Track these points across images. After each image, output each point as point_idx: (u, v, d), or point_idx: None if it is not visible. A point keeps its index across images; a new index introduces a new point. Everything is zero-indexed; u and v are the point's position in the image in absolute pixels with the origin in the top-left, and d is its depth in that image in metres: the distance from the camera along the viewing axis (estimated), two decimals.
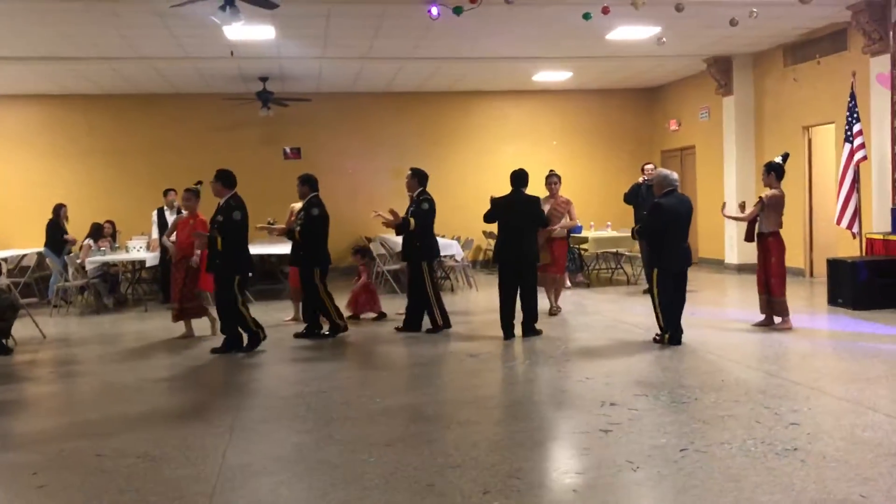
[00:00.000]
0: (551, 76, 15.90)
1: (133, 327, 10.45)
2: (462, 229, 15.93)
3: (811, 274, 13.22)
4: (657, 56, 14.09)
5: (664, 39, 9.17)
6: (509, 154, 17.57)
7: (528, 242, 8.71)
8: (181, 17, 10.47)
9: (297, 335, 9.08)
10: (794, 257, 13.29)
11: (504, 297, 8.62)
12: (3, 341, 8.51)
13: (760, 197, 8.72)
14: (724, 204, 11.26)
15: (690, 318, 8.77)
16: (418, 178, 9.35)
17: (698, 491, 4.04)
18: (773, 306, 8.66)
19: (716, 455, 4.58)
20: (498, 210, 8.76)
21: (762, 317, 8.80)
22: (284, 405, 6.13)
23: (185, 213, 9.45)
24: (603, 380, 6.56)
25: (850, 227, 10.65)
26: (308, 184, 9.11)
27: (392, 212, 9.37)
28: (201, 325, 9.50)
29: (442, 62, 14.20)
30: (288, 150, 17.14)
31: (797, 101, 13.22)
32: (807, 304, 10.51)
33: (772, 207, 8.56)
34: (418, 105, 17.37)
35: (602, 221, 14.84)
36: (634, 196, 11.67)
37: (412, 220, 9.07)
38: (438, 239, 13.26)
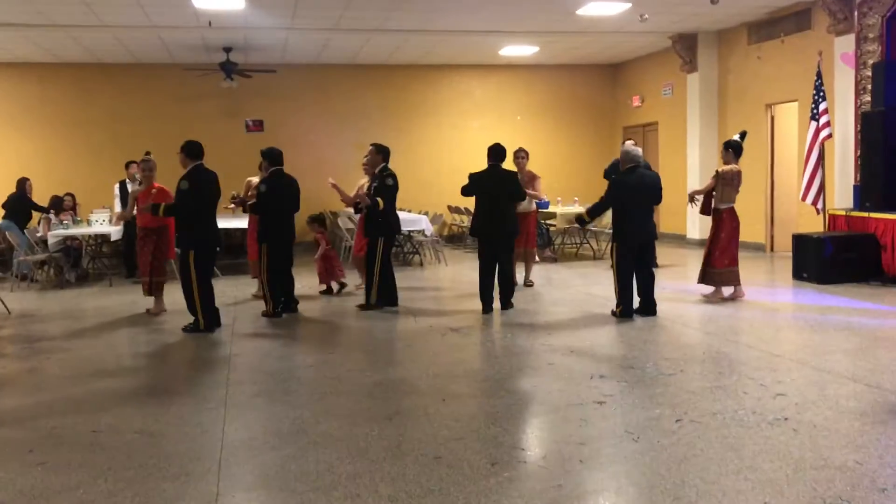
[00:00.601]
0: (518, 51, 15.90)
1: (99, 302, 10.26)
2: (427, 204, 15.95)
3: (771, 249, 13.53)
4: (624, 32, 14.19)
5: (646, 16, 9.21)
6: (474, 129, 17.62)
7: (507, 216, 8.76)
8: None
9: (264, 314, 8.91)
10: (755, 232, 13.62)
11: (484, 271, 8.67)
12: None
13: (717, 171, 8.89)
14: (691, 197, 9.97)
15: (661, 292, 8.95)
16: (382, 153, 9.22)
17: (700, 460, 4.15)
18: (714, 276, 8.90)
19: (710, 425, 4.70)
20: (476, 184, 8.77)
21: (711, 289, 9.03)
22: (273, 380, 6.09)
23: (142, 184, 9.25)
24: (587, 352, 6.67)
25: (814, 203, 10.92)
26: (268, 158, 8.85)
27: (360, 195, 9.36)
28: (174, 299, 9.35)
29: (410, 35, 14.09)
30: (250, 122, 16.90)
31: (761, 78, 13.44)
32: (772, 278, 10.77)
33: (727, 183, 8.76)
34: (384, 78, 17.25)
35: (569, 196, 14.97)
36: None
37: (380, 201, 8.94)
38: (405, 214, 13.31)
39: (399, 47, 15.26)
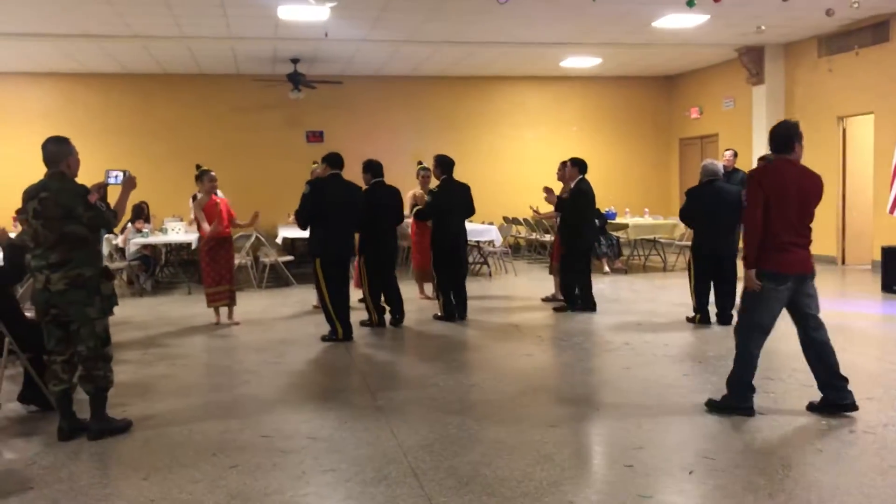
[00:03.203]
0: (579, 62, 15.92)
1: (186, 310, 10.30)
2: (483, 215, 15.90)
3: (843, 262, 13.44)
4: (692, 44, 14.21)
5: (763, 27, 9.24)
6: (529, 139, 17.70)
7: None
8: None
9: (362, 323, 8.84)
10: (827, 245, 13.56)
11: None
12: None
13: None
14: None
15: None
16: (441, 166, 9.17)
17: None
18: None
19: (888, 436, 4.68)
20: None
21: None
22: (413, 387, 6.09)
23: (200, 195, 9.14)
24: (713, 363, 6.66)
25: None
26: (369, 171, 8.88)
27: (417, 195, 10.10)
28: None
29: (478, 46, 14.11)
30: (310, 133, 17.00)
31: (832, 91, 13.41)
32: (860, 291, 10.70)
33: None
34: (441, 90, 17.33)
35: (636, 208, 14.99)
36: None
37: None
38: (471, 225, 13.29)
39: (463, 59, 15.33)
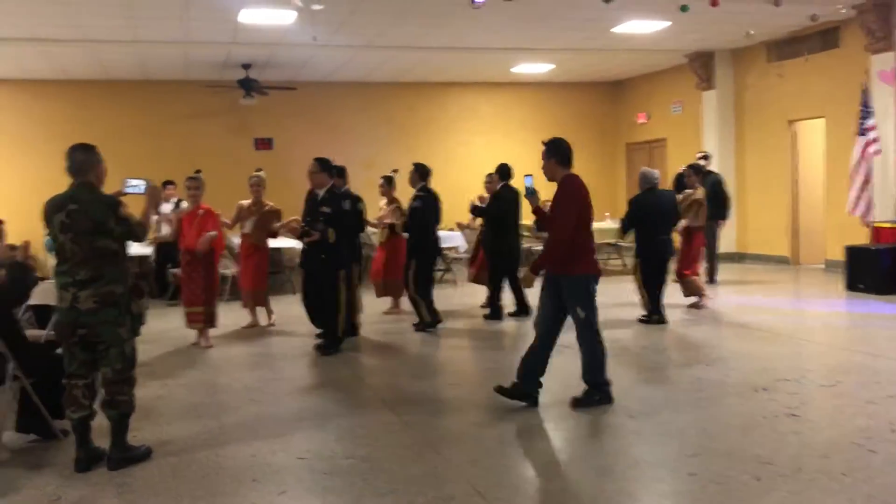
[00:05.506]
0: (531, 68, 15.97)
1: (157, 326, 9.73)
2: None
3: (798, 262, 13.76)
4: (646, 50, 14.40)
5: (752, 32, 9.50)
6: (481, 145, 17.63)
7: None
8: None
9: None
10: (780, 246, 13.91)
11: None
12: None
13: (698, 199, 9.55)
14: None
15: (731, 304, 9.16)
16: (418, 172, 9.06)
17: None
18: (689, 286, 9.47)
19: None
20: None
21: (693, 299, 9.56)
22: (432, 401, 5.92)
23: (185, 204, 8.58)
24: (721, 366, 6.69)
25: (864, 216, 11.15)
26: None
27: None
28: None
29: (434, 52, 14.00)
30: (258, 140, 16.58)
31: (782, 96, 13.75)
32: (823, 290, 10.94)
33: (704, 206, 9.59)
34: (393, 96, 17.13)
35: (598, 212, 15.08)
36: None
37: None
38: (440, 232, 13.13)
39: (416, 66, 15.20)
